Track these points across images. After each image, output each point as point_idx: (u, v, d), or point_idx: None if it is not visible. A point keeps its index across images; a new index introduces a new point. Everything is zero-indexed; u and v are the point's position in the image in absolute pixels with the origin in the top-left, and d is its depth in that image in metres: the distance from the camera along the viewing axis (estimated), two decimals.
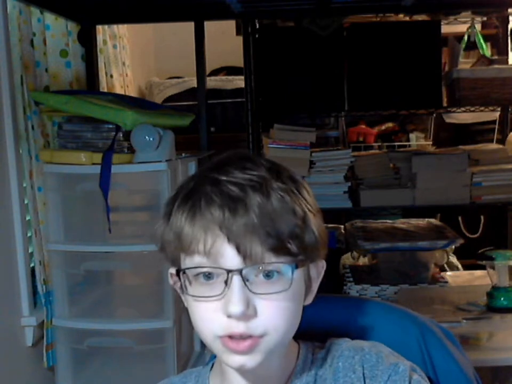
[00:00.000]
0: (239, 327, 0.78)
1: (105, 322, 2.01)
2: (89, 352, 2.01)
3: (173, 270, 0.84)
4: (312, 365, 0.88)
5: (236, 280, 0.77)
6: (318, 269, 0.86)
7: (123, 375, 2.08)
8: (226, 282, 0.77)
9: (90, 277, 2.09)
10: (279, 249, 0.78)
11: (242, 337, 0.78)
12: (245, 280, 0.77)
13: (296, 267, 0.80)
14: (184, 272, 0.81)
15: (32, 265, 2.03)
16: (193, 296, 0.80)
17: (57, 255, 1.99)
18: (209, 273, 0.79)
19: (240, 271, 0.77)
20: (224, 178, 0.79)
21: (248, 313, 0.77)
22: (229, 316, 0.77)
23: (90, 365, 2.08)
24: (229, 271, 0.77)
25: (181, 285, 0.82)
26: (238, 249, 0.77)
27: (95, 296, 2.16)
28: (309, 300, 0.86)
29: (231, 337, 0.78)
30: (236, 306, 0.76)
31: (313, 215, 0.82)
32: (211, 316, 0.79)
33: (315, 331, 0.90)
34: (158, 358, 1.98)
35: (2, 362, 1.86)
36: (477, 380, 0.99)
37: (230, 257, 0.77)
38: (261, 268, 0.78)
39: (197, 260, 0.79)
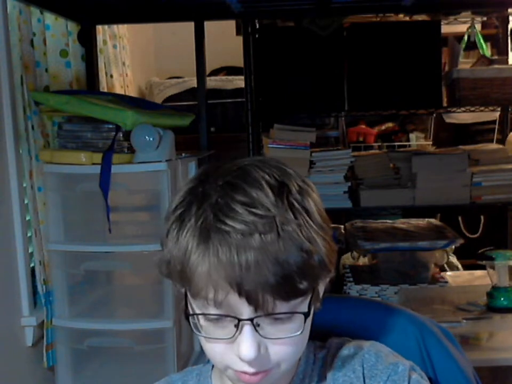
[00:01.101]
0: (251, 368, 0.77)
1: (105, 322, 2.01)
2: (89, 352, 2.01)
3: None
4: (313, 365, 0.88)
5: (247, 328, 0.76)
6: (327, 279, 0.84)
7: (123, 375, 2.08)
8: (237, 327, 0.76)
9: (90, 277, 2.09)
10: (290, 294, 0.76)
11: (254, 372, 0.78)
12: (255, 326, 0.76)
13: (309, 313, 0.78)
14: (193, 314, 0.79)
15: (32, 265, 2.03)
16: (204, 337, 0.79)
17: (57, 255, 1.99)
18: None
19: (251, 320, 0.75)
20: (231, 225, 0.74)
21: (260, 355, 0.77)
22: (241, 359, 0.77)
23: (90, 365, 2.08)
24: (240, 320, 0.76)
25: (189, 321, 0.80)
26: (249, 300, 0.74)
27: (95, 296, 2.16)
28: (318, 306, 0.84)
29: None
30: (248, 353, 0.75)
31: (322, 236, 0.78)
32: (223, 353, 0.78)
33: (314, 331, 0.90)
34: (158, 358, 1.98)
35: (2, 362, 1.86)
36: (476, 380, 0.99)
37: (240, 307, 0.75)
38: (271, 317, 0.76)
39: (206, 305, 0.77)
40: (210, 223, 0.75)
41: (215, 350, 0.79)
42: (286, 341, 0.78)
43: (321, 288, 0.83)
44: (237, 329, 0.76)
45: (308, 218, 0.77)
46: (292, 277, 0.74)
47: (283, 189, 0.78)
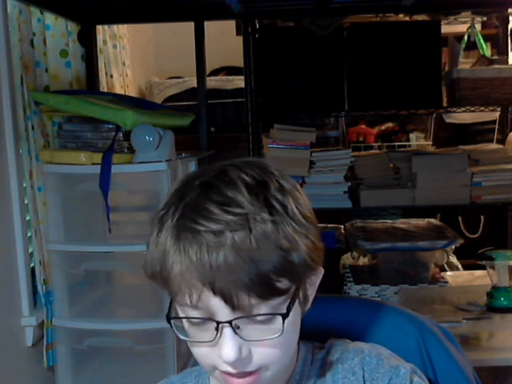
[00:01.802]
0: (234, 369, 0.77)
1: (105, 322, 2.01)
2: (89, 352, 2.01)
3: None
4: (311, 366, 0.88)
5: (227, 330, 0.75)
6: (314, 279, 0.83)
7: (123, 375, 2.08)
8: (217, 329, 0.76)
9: (90, 277, 2.09)
10: (267, 293, 0.75)
11: (239, 374, 0.78)
12: (235, 329, 0.75)
13: (287, 315, 0.77)
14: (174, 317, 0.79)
15: (32, 265, 2.03)
16: (187, 340, 0.80)
17: (57, 255, 1.99)
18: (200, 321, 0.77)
19: (230, 322, 0.75)
20: (203, 224, 0.74)
21: (242, 357, 0.76)
22: (223, 360, 0.77)
23: (90, 365, 2.08)
24: (218, 323, 0.75)
25: (171, 324, 0.80)
26: (225, 300, 0.74)
27: (95, 296, 2.16)
28: (307, 307, 0.84)
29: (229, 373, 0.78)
30: (229, 355, 0.75)
31: (303, 234, 0.77)
32: (207, 354, 0.79)
33: (314, 331, 0.90)
34: (158, 358, 1.98)
35: (2, 362, 1.86)
36: (476, 380, 0.99)
37: (218, 309, 0.75)
38: (250, 318, 0.76)
39: (186, 309, 0.77)
40: (183, 223, 0.75)
41: (200, 352, 0.80)
42: (267, 342, 0.77)
43: (309, 289, 0.82)
44: (217, 332, 0.76)
45: (285, 216, 0.76)
46: (267, 275, 0.74)
47: (260, 188, 0.77)
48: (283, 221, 0.76)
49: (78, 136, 1.94)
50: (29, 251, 2.01)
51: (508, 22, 3.18)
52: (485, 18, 3.20)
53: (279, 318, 0.76)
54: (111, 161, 1.84)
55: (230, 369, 0.77)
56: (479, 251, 2.13)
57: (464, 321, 1.96)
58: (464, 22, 3.07)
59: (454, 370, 0.97)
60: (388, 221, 2.87)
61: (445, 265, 2.81)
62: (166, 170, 1.91)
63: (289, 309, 0.77)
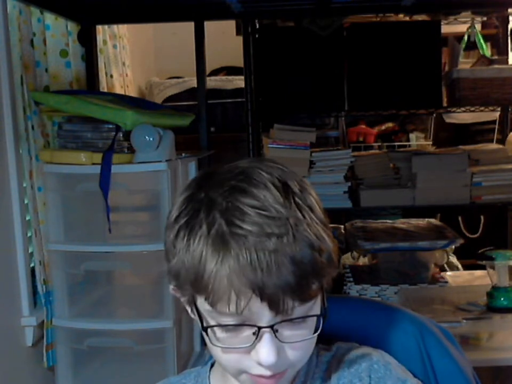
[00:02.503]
0: (268, 371, 0.77)
1: (105, 322, 2.01)
2: (89, 352, 2.01)
3: (176, 291, 0.81)
4: (316, 368, 0.88)
5: (267, 335, 0.75)
6: (332, 277, 0.84)
7: (123, 375, 2.08)
8: (255, 334, 0.75)
9: (90, 277, 2.09)
10: (308, 295, 0.76)
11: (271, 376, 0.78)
12: (275, 332, 0.75)
13: (324, 315, 0.78)
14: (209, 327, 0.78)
15: (32, 265, 2.03)
16: (221, 347, 0.78)
17: (57, 255, 1.99)
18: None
19: (271, 327, 0.75)
20: (246, 228, 0.73)
21: (279, 359, 0.77)
22: (260, 364, 0.77)
23: (90, 365, 2.08)
24: (260, 328, 0.75)
25: (206, 327, 0.78)
26: (270, 305, 0.73)
27: (95, 296, 2.16)
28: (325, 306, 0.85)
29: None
30: (268, 359, 0.75)
31: (327, 232, 0.78)
32: (238, 359, 0.78)
33: None
34: (158, 358, 1.98)
35: (2, 362, 1.86)
36: (475, 380, 0.99)
37: (261, 314, 0.74)
38: (289, 321, 0.76)
39: (220, 315, 0.75)
40: (224, 229, 0.74)
41: (231, 358, 0.78)
42: (302, 343, 0.78)
43: (328, 284, 0.83)
44: (256, 336, 0.75)
45: (313, 216, 0.77)
46: (307, 277, 0.74)
47: (287, 189, 0.77)
48: (312, 220, 0.77)
49: (78, 136, 1.94)
50: (29, 251, 2.01)
51: (508, 22, 3.18)
52: (485, 18, 3.20)
53: (311, 319, 0.78)
54: (111, 161, 1.84)
55: (264, 371, 0.77)
56: (479, 251, 2.13)
57: (464, 321, 1.96)
58: (464, 22, 3.07)
59: (453, 370, 0.97)
60: (387, 221, 2.87)
61: (445, 265, 2.81)
62: (166, 170, 1.91)
63: (325, 309, 0.78)
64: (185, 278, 0.76)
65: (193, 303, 0.79)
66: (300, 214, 0.76)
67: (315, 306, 0.78)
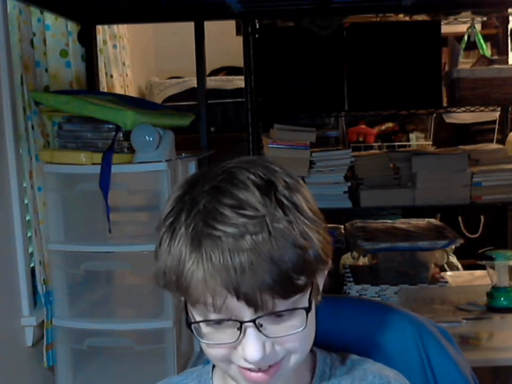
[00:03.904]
0: (257, 366, 0.77)
1: (105, 322, 2.01)
2: (89, 352, 2.01)
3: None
4: (328, 382, 0.87)
5: (251, 330, 0.75)
6: (325, 272, 0.84)
7: (123, 375, 2.08)
8: (239, 329, 0.75)
9: (90, 277, 2.09)
10: (289, 291, 0.75)
11: (261, 369, 0.78)
12: (258, 327, 0.75)
13: (310, 308, 0.78)
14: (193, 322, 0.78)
15: (32, 265, 2.03)
16: (206, 343, 0.79)
17: (57, 255, 1.99)
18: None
19: (253, 321, 0.75)
20: (221, 229, 0.74)
21: (266, 354, 0.76)
22: (247, 361, 0.77)
23: (90, 365, 2.08)
24: (242, 322, 0.75)
25: (190, 323, 0.79)
26: (248, 302, 0.74)
27: (95, 296, 2.16)
28: (319, 299, 0.84)
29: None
30: (254, 354, 0.75)
31: (315, 229, 0.78)
32: (226, 355, 0.78)
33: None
34: (158, 358, 1.98)
35: (2, 362, 1.86)
36: (473, 379, 0.99)
37: (241, 310, 0.75)
38: (272, 315, 0.76)
39: (206, 311, 0.76)
40: (200, 230, 0.75)
41: (218, 353, 0.79)
42: (290, 337, 0.77)
43: (320, 281, 0.83)
44: (240, 331, 0.75)
45: (297, 213, 0.77)
46: (288, 274, 0.74)
47: (270, 187, 0.77)
48: (296, 218, 0.76)
49: (78, 136, 1.94)
50: (29, 251, 2.01)
51: (508, 22, 3.18)
52: (485, 18, 3.20)
53: (300, 312, 0.77)
54: (111, 161, 1.84)
55: (252, 366, 0.77)
56: (479, 251, 2.13)
57: (464, 321, 1.96)
58: (464, 22, 3.07)
59: (452, 369, 0.97)
60: (387, 221, 2.87)
61: (445, 265, 2.81)
62: (166, 170, 1.91)
63: (310, 302, 0.78)
64: (169, 279, 0.78)
65: (183, 301, 0.80)
66: (280, 212, 0.75)
67: (302, 301, 0.78)
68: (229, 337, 0.76)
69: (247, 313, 0.75)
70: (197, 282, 0.74)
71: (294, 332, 0.77)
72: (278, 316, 0.76)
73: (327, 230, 0.82)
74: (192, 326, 0.79)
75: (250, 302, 0.74)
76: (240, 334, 0.75)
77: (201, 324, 0.78)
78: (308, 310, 0.77)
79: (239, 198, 0.76)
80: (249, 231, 0.74)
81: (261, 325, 0.76)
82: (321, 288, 0.84)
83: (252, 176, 0.78)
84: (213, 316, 0.76)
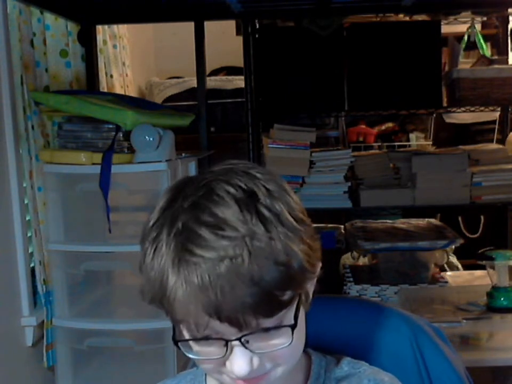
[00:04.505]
0: (246, 379, 0.77)
1: (105, 322, 2.01)
2: (89, 352, 2.01)
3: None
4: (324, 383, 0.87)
5: (237, 348, 0.75)
6: (313, 279, 0.82)
7: (123, 375, 2.08)
8: (226, 346, 0.75)
9: (90, 277, 2.09)
10: (273, 309, 0.74)
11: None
12: (244, 344, 0.75)
13: (295, 325, 0.76)
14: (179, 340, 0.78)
15: (32, 265, 2.03)
16: (194, 358, 0.78)
17: (57, 255, 1.99)
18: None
19: (239, 339, 0.74)
20: (199, 254, 0.72)
21: (254, 369, 0.76)
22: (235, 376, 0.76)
23: (90, 365, 2.08)
24: (227, 341, 0.75)
25: (177, 341, 0.78)
26: (231, 324, 0.73)
27: (95, 296, 2.16)
28: (309, 303, 0.83)
29: None
30: (241, 370, 0.75)
31: (298, 239, 0.75)
32: (216, 367, 0.78)
33: (307, 331, 0.90)
34: (158, 358, 1.98)
35: (2, 362, 1.86)
36: (468, 378, 1.00)
37: (225, 330, 0.74)
38: (258, 332, 0.75)
39: (191, 332, 0.76)
40: (179, 253, 0.73)
41: (209, 367, 0.79)
42: (277, 352, 0.77)
43: (310, 288, 0.82)
44: (227, 348, 0.75)
45: (280, 226, 0.74)
46: (271, 293, 0.73)
47: (250, 198, 0.75)
48: (278, 233, 0.74)
49: (78, 136, 1.94)
50: (29, 251, 2.01)
51: (508, 22, 3.18)
52: (485, 18, 3.20)
53: (287, 333, 0.76)
54: (111, 161, 1.84)
55: (241, 381, 0.77)
56: (479, 251, 2.13)
57: (464, 321, 1.96)
58: (464, 22, 3.06)
59: (446, 369, 0.97)
60: (387, 221, 2.87)
61: (445, 265, 2.81)
62: (166, 170, 1.91)
63: (296, 318, 0.77)
64: (154, 296, 0.77)
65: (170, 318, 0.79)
66: (261, 228, 0.73)
67: (288, 315, 0.77)
68: (216, 352, 0.76)
69: (232, 331, 0.74)
70: (179, 304, 0.74)
71: (281, 348, 0.76)
72: (264, 331, 0.75)
73: (314, 234, 0.79)
74: (180, 343, 0.78)
75: (233, 324, 0.73)
76: (227, 350, 0.75)
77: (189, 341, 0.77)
78: (293, 327, 0.76)
79: (217, 216, 0.73)
80: (228, 255, 0.72)
81: (247, 342, 0.75)
82: (311, 293, 0.83)
83: (232, 190, 0.75)
84: (199, 335, 0.75)
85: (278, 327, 0.75)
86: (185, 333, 0.78)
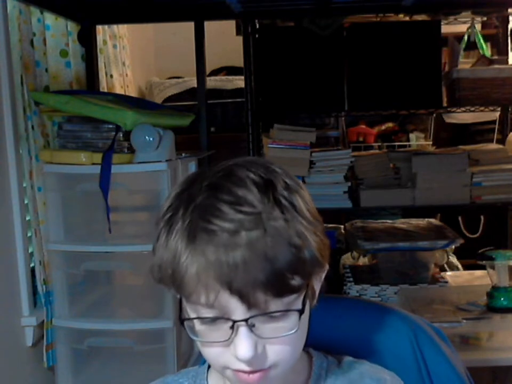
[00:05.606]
0: (249, 367, 0.77)
1: (105, 322, 2.01)
2: (89, 352, 2.01)
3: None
4: (325, 383, 0.87)
5: (243, 329, 0.75)
6: (321, 275, 0.84)
7: (123, 375, 2.08)
8: (232, 328, 0.75)
9: (90, 277, 2.09)
10: (283, 290, 0.75)
11: (252, 371, 0.78)
12: (251, 327, 0.75)
13: (303, 310, 0.77)
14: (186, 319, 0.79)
15: (32, 265, 2.03)
16: (199, 341, 0.79)
17: (57, 255, 1.99)
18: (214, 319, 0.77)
19: (246, 320, 0.75)
20: (217, 224, 0.74)
21: (257, 354, 0.76)
22: (238, 359, 0.77)
23: (90, 365, 2.08)
24: (234, 321, 0.75)
25: (184, 326, 0.79)
26: (241, 298, 0.74)
27: (95, 296, 2.16)
28: (315, 302, 0.84)
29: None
30: (245, 353, 0.75)
31: (312, 231, 0.78)
32: (219, 354, 0.78)
33: (308, 330, 0.90)
34: (158, 358, 1.98)
35: (2, 362, 1.86)
36: (468, 378, 1.00)
37: (234, 308, 0.75)
38: (265, 316, 0.76)
39: (199, 309, 0.77)
40: (196, 224, 0.75)
41: (212, 352, 0.79)
42: (282, 340, 0.77)
43: (316, 285, 0.83)
44: (232, 330, 0.75)
45: (295, 213, 0.77)
46: (282, 273, 0.74)
47: (269, 186, 0.77)
48: (293, 218, 0.76)
49: (78, 136, 1.94)
50: (29, 251, 2.01)
51: (508, 22, 3.18)
52: (485, 18, 3.20)
53: (293, 315, 0.77)
54: (111, 161, 1.84)
55: (244, 367, 0.77)
56: (479, 251, 2.13)
57: (464, 321, 1.95)
58: (464, 22, 3.07)
59: (447, 368, 0.97)
60: (387, 221, 2.87)
61: (445, 265, 2.81)
62: (166, 170, 1.91)
63: (304, 304, 0.78)
64: (165, 273, 0.78)
65: (178, 298, 0.80)
66: (277, 210, 0.75)
67: (296, 303, 0.77)
68: (221, 335, 0.76)
69: (239, 311, 0.75)
70: (190, 276, 0.74)
71: (286, 334, 0.77)
72: (270, 317, 0.76)
73: (325, 233, 0.81)
74: (186, 323, 0.79)
75: (243, 298, 0.74)
76: (232, 332, 0.76)
77: (194, 321, 0.78)
78: (301, 312, 0.77)
79: (236, 194, 0.75)
80: (244, 227, 0.73)
81: (253, 325, 0.76)
82: (317, 292, 0.83)
83: (252, 175, 0.77)
84: (206, 314, 0.76)
85: (285, 310, 0.76)
86: (192, 315, 0.78)
